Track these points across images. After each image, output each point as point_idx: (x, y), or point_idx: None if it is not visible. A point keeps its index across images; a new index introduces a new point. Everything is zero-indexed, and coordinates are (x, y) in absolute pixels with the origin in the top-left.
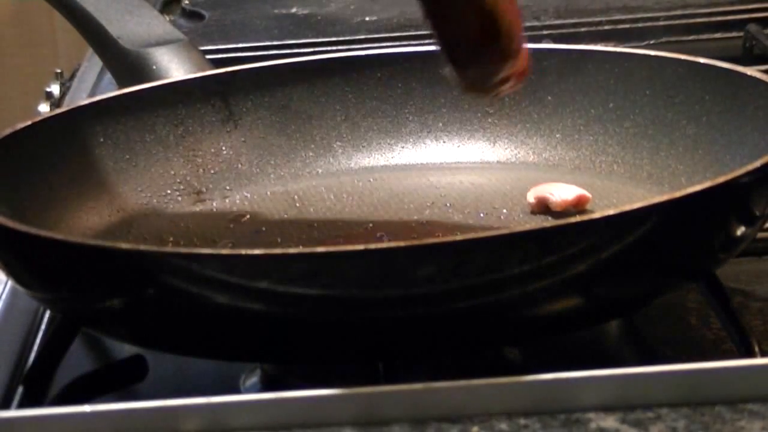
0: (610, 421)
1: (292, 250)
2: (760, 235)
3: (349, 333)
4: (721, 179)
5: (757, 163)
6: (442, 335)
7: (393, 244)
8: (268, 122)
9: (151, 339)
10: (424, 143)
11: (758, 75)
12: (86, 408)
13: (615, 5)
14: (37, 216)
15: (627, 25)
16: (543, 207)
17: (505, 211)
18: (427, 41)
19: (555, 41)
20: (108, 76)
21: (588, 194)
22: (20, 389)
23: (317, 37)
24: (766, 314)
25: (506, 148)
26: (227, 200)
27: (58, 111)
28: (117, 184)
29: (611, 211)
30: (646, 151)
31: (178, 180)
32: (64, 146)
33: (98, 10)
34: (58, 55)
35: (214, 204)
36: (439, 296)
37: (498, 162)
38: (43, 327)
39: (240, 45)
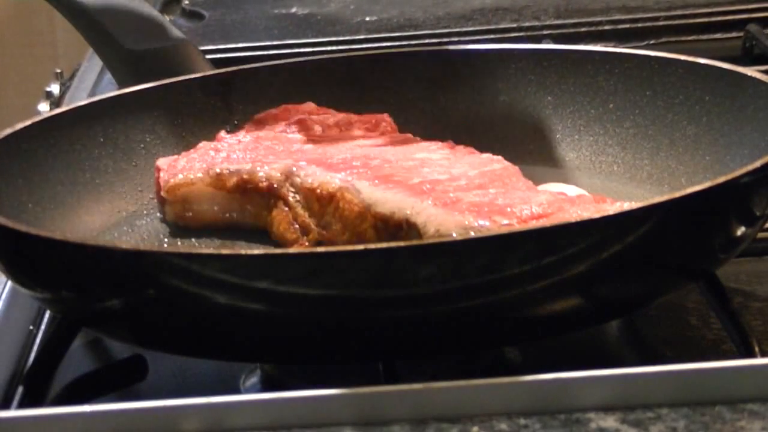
0: (610, 421)
1: (292, 250)
2: (760, 235)
3: (349, 333)
4: (721, 179)
5: (757, 163)
6: (442, 335)
7: (393, 244)
8: None
9: (151, 339)
10: None
11: (758, 75)
12: (86, 408)
13: (615, 5)
14: (37, 216)
15: (627, 25)
16: None
17: None
18: (427, 41)
19: (555, 41)
20: (108, 76)
21: (588, 194)
22: (20, 389)
23: (317, 37)
24: (766, 314)
25: (506, 148)
26: None
27: (58, 111)
28: (117, 184)
29: (611, 211)
30: (646, 152)
31: None
32: (64, 146)
33: (98, 10)
34: (58, 55)
35: None
36: (439, 296)
37: None
38: (43, 327)
39: (240, 45)
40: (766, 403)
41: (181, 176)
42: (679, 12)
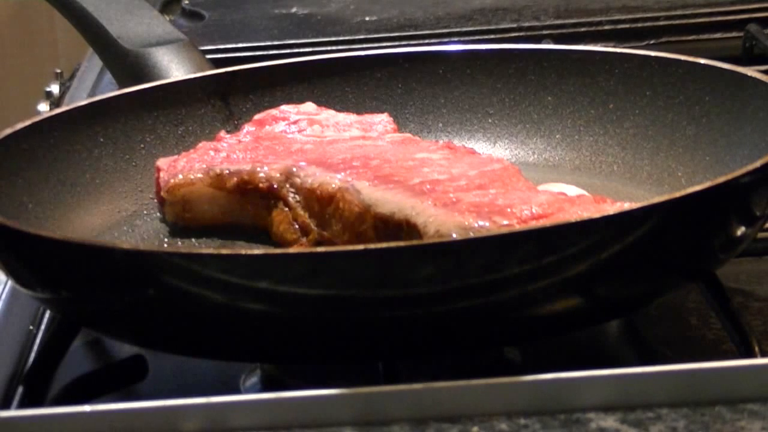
0: (610, 421)
1: (292, 250)
2: (760, 235)
3: (349, 333)
4: (721, 179)
5: (757, 163)
6: (442, 335)
7: (393, 244)
8: None
9: (151, 339)
10: None
11: (758, 75)
12: (86, 408)
13: (615, 5)
14: (37, 216)
15: (627, 25)
16: None
17: None
18: (427, 41)
19: (555, 41)
20: (108, 76)
21: (588, 194)
22: (20, 389)
23: (317, 37)
24: (766, 314)
25: (506, 148)
26: None
27: (58, 111)
28: (117, 184)
29: (611, 211)
30: (646, 152)
31: None
32: (64, 146)
33: (98, 10)
34: (58, 55)
35: None
36: (439, 296)
37: None
38: (43, 327)
39: (240, 45)
40: (766, 403)
41: (181, 176)
42: (679, 12)
